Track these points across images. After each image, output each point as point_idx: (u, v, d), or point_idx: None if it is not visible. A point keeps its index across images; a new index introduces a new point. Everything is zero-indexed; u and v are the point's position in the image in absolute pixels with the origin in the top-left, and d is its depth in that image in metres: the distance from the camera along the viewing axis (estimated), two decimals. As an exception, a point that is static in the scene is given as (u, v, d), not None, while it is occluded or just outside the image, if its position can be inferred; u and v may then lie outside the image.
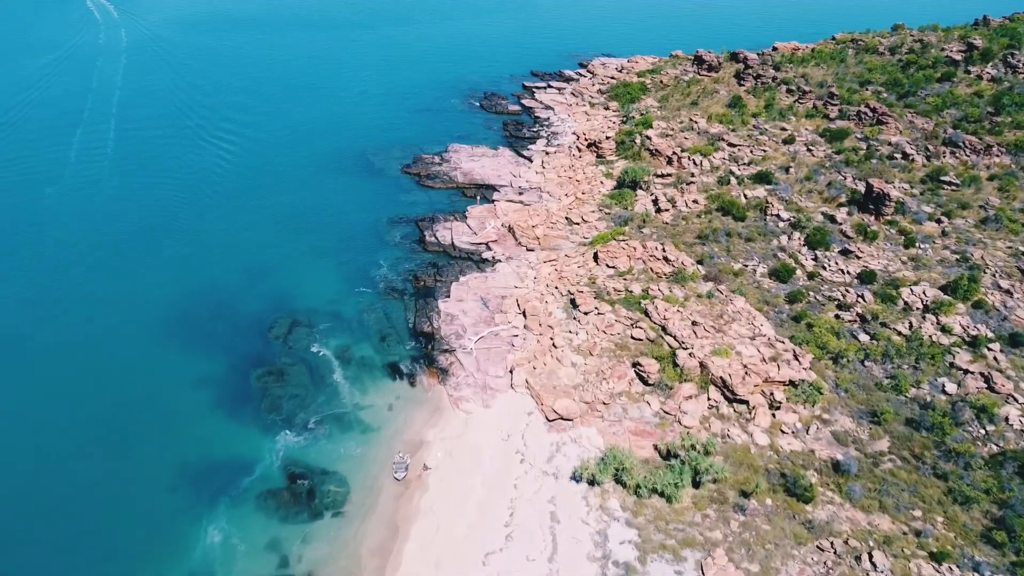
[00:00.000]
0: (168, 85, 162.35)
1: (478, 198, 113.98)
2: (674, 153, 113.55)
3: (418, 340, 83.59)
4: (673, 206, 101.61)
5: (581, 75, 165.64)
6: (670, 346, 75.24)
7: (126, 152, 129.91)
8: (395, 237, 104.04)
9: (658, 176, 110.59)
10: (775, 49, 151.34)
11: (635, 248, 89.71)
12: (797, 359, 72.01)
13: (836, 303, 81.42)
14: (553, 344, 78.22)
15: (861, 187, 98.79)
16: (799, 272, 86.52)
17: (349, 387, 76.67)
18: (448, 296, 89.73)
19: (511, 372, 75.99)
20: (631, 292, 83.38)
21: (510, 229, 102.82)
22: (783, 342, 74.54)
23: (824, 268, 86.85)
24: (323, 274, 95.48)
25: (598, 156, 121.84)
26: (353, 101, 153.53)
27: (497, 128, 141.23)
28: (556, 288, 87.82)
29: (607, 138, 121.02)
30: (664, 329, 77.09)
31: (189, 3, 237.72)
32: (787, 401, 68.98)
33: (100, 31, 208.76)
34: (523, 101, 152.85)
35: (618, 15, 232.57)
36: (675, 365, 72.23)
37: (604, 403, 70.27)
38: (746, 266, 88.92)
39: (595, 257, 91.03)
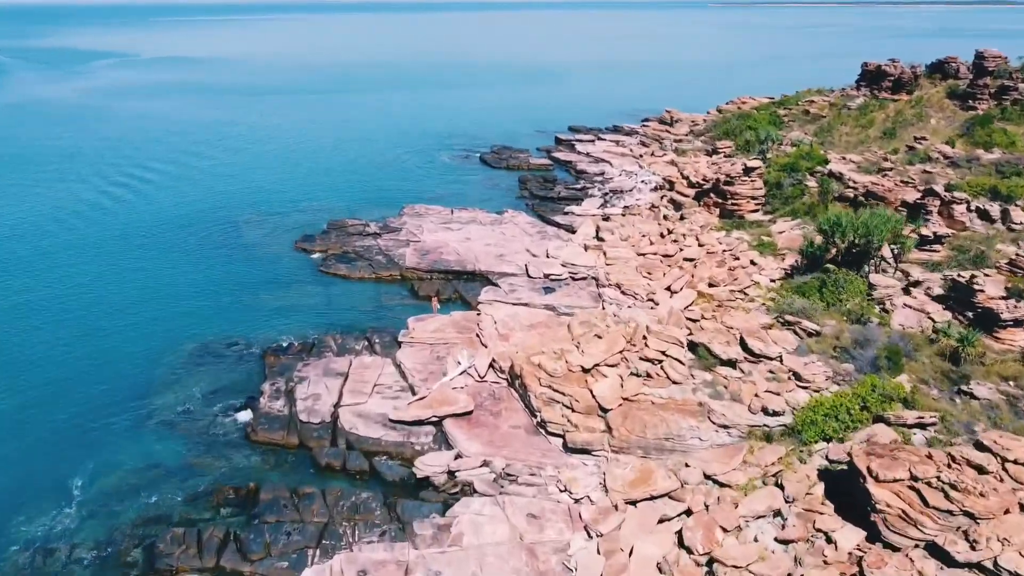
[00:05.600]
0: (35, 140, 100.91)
1: (436, 299, 46.14)
2: (924, 198, 45.65)
3: None
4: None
5: (647, 126, 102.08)
6: None
7: None
8: (187, 394, 36.02)
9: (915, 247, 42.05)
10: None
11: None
12: None
13: None
14: None
15: None
16: None
17: None
18: None
19: None
20: None
21: (513, 378, 34.01)
22: None
23: None
24: None
25: (724, 213, 54.39)
26: (284, 159, 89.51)
27: (508, 186, 75.95)
28: None
29: (746, 174, 53.75)
30: None
31: (134, 70, 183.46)
32: None
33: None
34: (555, 155, 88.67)
35: (687, 71, 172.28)
36: None
37: None
38: None
39: (867, 495, 21.29)
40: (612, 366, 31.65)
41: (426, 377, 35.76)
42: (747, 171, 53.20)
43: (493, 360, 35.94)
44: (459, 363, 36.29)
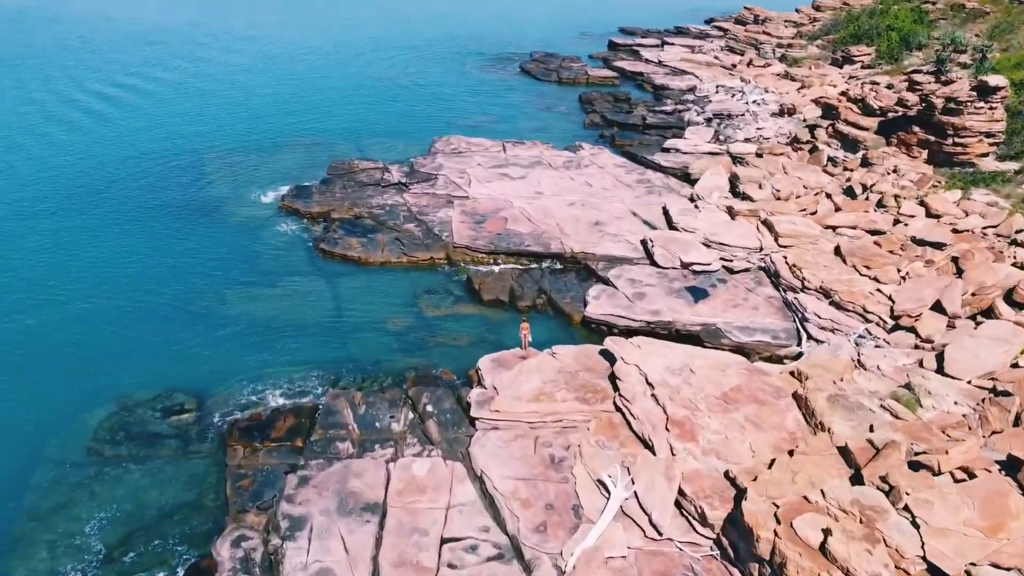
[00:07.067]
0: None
1: (526, 329, 26.90)
2: None
3: None
4: None
5: (723, 28, 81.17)
6: None
7: None
8: (75, 546, 18.29)
9: None
10: None
11: None
12: None
13: None
14: None
15: None
16: None
17: None
18: None
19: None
20: None
21: (751, 554, 16.29)
22: None
23: None
24: None
25: (937, 158, 35.53)
26: (267, 72, 69.21)
27: (568, 108, 56.37)
28: None
29: (981, 98, 34.49)
30: None
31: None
32: None
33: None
34: (617, 64, 68.41)
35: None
36: None
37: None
38: None
39: None
40: (1006, 570, 13.87)
41: (542, 521, 18.03)
42: (983, 92, 33.96)
43: (681, 490, 18.14)
44: (605, 488, 18.55)
